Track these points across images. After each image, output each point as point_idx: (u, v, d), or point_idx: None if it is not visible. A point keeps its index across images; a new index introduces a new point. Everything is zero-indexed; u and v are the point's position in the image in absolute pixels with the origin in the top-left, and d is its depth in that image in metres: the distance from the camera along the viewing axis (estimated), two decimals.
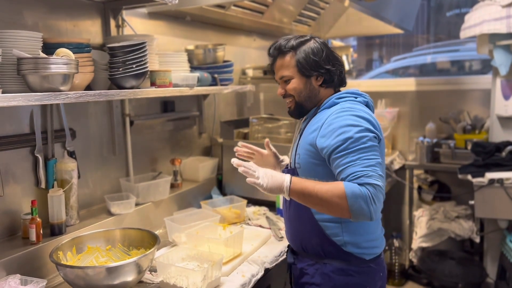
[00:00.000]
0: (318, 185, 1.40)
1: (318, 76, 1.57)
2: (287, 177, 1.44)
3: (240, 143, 1.80)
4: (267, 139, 1.82)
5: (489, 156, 2.95)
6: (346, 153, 1.39)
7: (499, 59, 2.99)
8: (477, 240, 3.24)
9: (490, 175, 2.75)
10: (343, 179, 1.39)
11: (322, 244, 1.56)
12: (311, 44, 1.57)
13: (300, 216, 1.60)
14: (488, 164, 2.88)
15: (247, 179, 1.40)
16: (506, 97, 3.12)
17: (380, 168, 1.40)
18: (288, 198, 1.48)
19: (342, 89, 1.64)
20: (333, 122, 1.45)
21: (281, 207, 2.15)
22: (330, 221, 1.54)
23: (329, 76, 1.57)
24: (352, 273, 1.54)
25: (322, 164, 1.50)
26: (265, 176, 1.42)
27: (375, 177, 1.36)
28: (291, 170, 1.60)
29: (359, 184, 1.34)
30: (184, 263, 1.66)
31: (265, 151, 1.80)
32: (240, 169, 1.41)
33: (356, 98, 1.57)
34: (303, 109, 1.62)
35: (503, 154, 2.92)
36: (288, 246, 1.75)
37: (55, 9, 1.85)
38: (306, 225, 1.58)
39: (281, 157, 1.83)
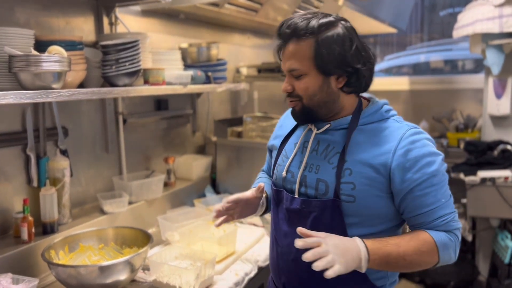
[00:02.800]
0: (401, 242, 1.13)
1: (340, 76, 1.20)
2: (360, 245, 1.09)
3: (215, 208, 1.37)
4: (261, 184, 1.37)
5: (481, 155, 2.97)
6: (431, 191, 1.16)
7: (492, 59, 3.01)
8: (469, 238, 3.26)
9: (482, 174, 2.77)
10: (424, 223, 1.17)
11: None
12: (338, 29, 1.17)
13: None
14: (480, 162, 2.90)
15: (326, 273, 1.02)
16: (498, 96, 3.14)
17: None
18: (363, 271, 1.11)
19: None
20: (412, 148, 1.16)
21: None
22: None
23: (356, 78, 1.20)
24: None
25: (386, 197, 1.19)
26: (338, 254, 1.04)
27: (457, 219, 1.20)
28: (330, 203, 1.18)
29: (447, 231, 1.17)
30: (177, 261, 1.66)
31: (249, 195, 1.37)
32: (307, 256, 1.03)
33: (395, 114, 1.30)
34: (312, 116, 1.25)
35: (495, 153, 2.95)
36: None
37: (47, 6, 1.84)
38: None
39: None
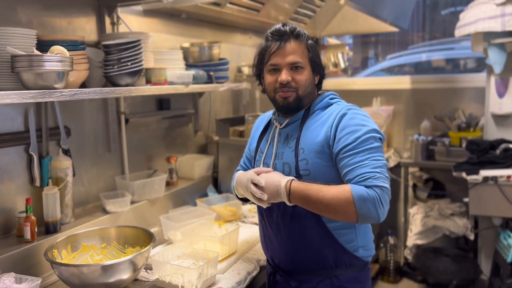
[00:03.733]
0: (323, 189, 1.33)
1: (317, 74, 1.53)
2: (283, 180, 1.38)
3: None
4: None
5: (483, 154, 2.97)
6: (354, 152, 1.35)
7: (494, 57, 3.00)
8: (472, 237, 3.26)
9: (484, 173, 2.76)
10: (349, 180, 1.34)
11: (335, 255, 1.47)
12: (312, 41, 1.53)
13: (307, 228, 1.47)
14: (482, 161, 2.90)
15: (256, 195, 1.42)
16: (500, 95, 3.13)
17: (386, 169, 1.37)
18: (289, 204, 1.39)
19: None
20: (343, 120, 1.41)
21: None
22: (344, 228, 1.46)
23: (323, 77, 1.56)
24: (363, 279, 1.52)
25: (333, 166, 1.42)
26: (266, 184, 1.41)
27: (382, 179, 1.32)
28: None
29: (367, 187, 1.30)
30: (179, 261, 1.66)
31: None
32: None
33: (340, 100, 1.55)
34: (300, 105, 1.50)
35: (497, 152, 2.94)
36: (272, 268, 1.64)
37: (49, 6, 1.84)
38: (315, 237, 1.46)
39: None
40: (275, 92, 1.49)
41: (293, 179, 1.38)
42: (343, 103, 1.51)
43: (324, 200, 1.31)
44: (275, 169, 1.50)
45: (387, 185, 1.34)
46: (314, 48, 1.49)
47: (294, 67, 1.46)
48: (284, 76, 1.45)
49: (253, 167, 1.61)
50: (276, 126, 1.57)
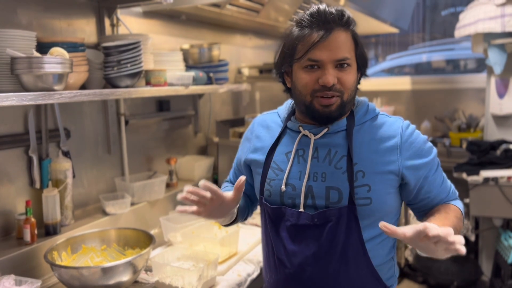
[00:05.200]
0: (449, 219, 1.15)
1: (358, 72, 1.21)
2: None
3: (186, 188, 1.10)
4: (243, 177, 1.12)
5: (484, 154, 2.97)
6: (439, 169, 1.25)
7: (494, 58, 3.00)
8: (472, 238, 3.25)
9: (485, 174, 2.76)
10: (443, 198, 1.26)
11: None
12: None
13: (353, 261, 1.15)
14: (483, 162, 2.89)
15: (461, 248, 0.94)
16: (500, 96, 3.13)
17: None
18: None
19: None
20: (413, 140, 1.21)
21: None
22: (386, 262, 1.22)
23: (362, 76, 1.24)
24: None
25: (394, 192, 1.20)
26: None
27: None
28: (345, 210, 1.12)
29: (457, 199, 1.30)
30: (179, 262, 1.66)
31: (228, 195, 1.15)
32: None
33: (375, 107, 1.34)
34: (342, 113, 1.18)
35: (498, 152, 2.94)
36: None
37: (49, 8, 1.84)
38: (359, 272, 1.15)
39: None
40: (313, 97, 1.15)
41: None
42: (387, 114, 1.28)
43: (458, 227, 1.17)
44: (310, 193, 1.17)
45: None
46: (358, 37, 1.17)
47: (339, 65, 1.13)
48: (331, 76, 1.11)
49: (262, 189, 1.25)
50: (306, 136, 1.22)
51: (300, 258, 1.17)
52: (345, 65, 1.13)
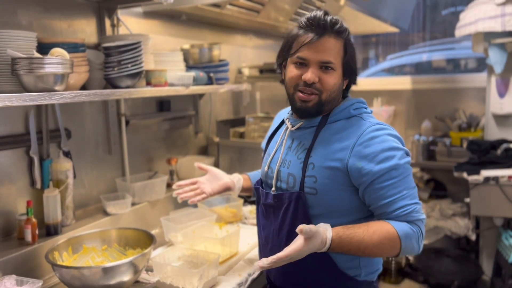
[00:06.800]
0: (366, 236, 1.17)
1: (347, 79, 1.33)
2: (328, 234, 1.16)
3: (175, 185, 1.63)
4: (197, 164, 1.68)
5: (484, 154, 2.96)
6: (391, 183, 1.21)
7: (494, 57, 3.00)
8: (473, 237, 3.25)
9: (485, 173, 2.76)
10: (387, 213, 1.23)
11: (333, 279, 1.32)
12: (351, 37, 1.29)
13: None
14: (483, 162, 2.89)
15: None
16: (501, 95, 3.13)
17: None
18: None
19: None
20: (370, 144, 1.23)
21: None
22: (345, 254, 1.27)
23: (353, 82, 1.34)
24: None
25: (347, 190, 1.26)
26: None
27: (421, 210, 1.24)
28: (295, 195, 1.29)
29: (409, 222, 1.21)
30: (180, 262, 1.66)
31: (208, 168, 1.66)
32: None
33: (366, 109, 1.37)
34: (321, 110, 1.31)
35: (498, 152, 2.93)
36: (269, 285, 1.52)
37: (49, 8, 1.84)
38: (313, 258, 1.22)
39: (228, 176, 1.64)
40: (296, 90, 1.30)
41: (332, 238, 1.17)
42: (369, 117, 1.32)
43: (367, 250, 1.19)
44: (279, 176, 1.37)
45: (424, 215, 1.26)
46: (352, 49, 1.30)
47: (324, 67, 1.26)
48: (311, 74, 1.25)
49: (261, 169, 1.52)
50: (287, 127, 1.41)
51: (267, 231, 1.42)
52: (329, 68, 1.27)
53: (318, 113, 1.32)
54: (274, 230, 1.38)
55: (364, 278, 1.35)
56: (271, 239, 1.39)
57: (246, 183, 1.68)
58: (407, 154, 1.27)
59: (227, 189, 1.63)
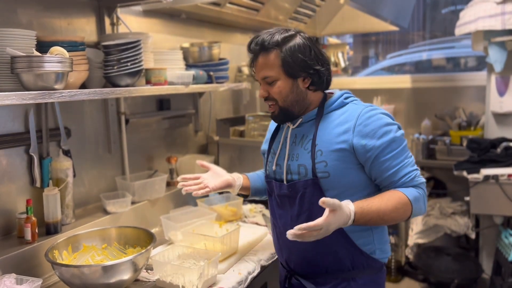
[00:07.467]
0: (382, 204, 1.31)
1: (306, 77, 1.42)
2: (350, 216, 1.26)
3: (179, 178, 1.73)
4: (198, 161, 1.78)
5: (484, 152, 2.96)
6: (393, 155, 1.36)
7: (494, 56, 3.00)
8: (473, 236, 3.25)
9: (485, 172, 2.76)
10: (394, 182, 1.37)
11: (352, 257, 1.44)
12: (298, 40, 1.39)
13: None
14: (483, 160, 2.89)
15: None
16: (501, 94, 3.13)
17: None
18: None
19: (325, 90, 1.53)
20: (369, 123, 1.37)
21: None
22: (361, 230, 1.43)
23: (318, 77, 1.42)
24: (380, 280, 1.50)
25: (355, 168, 1.40)
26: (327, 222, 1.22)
27: (420, 175, 1.41)
28: (309, 182, 1.40)
29: (414, 186, 1.38)
30: (180, 261, 1.66)
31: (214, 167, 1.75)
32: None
33: (354, 97, 1.51)
34: (289, 114, 1.46)
35: (498, 150, 2.93)
36: (287, 272, 1.58)
37: (49, 7, 1.84)
38: (332, 239, 1.33)
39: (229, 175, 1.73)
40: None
41: (355, 210, 1.28)
42: (359, 102, 1.48)
43: (385, 217, 1.32)
44: (289, 170, 1.47)
45: (424, 178, 1.42)
46: (290, 53, 1.38)
47: (268, 82, 1.43)
48: (260, 91, 1.46)
49: (265, 169, 1.61)
50: (288, 126, 1.52)
51: (284, 220, 1.50)
52: (272, 82, 1.42)
53: (288, 117, 1.48)
54: (292, 217, 1.47)
55: (379, 257, 1.47)
56: (290, 225, 1.39)
57: (245, 181, 1.75)
58: (399, 128, 1.42)
59: (228, 185, 1.70)
